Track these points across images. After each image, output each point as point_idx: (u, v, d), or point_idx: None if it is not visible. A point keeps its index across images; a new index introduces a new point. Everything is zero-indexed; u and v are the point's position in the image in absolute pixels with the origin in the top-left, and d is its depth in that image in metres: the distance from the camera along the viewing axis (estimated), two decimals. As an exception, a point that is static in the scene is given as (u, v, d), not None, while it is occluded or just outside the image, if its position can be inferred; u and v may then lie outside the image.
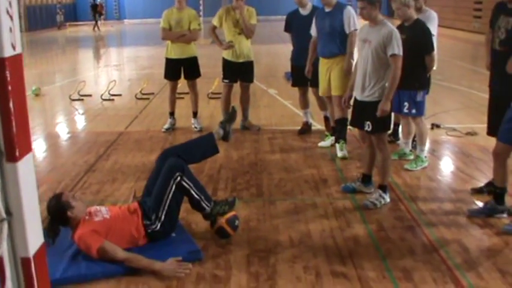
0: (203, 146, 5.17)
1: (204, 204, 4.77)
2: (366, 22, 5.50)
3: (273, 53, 19.87)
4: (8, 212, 1.82)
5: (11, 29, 1.69)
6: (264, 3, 43.24)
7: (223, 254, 4.53)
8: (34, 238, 1.90)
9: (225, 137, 5.25)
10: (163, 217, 4.60)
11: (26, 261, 1.88)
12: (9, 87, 1.68)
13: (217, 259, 4.44)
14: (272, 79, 13.53)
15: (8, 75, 1.68)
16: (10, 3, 1.63)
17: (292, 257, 4.46)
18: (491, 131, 5.64)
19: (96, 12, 39.03)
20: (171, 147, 5.63)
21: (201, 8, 43.80)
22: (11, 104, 1.70)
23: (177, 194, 4.66)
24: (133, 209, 4.68)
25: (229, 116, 5.42)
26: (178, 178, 4.63)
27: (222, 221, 4.76)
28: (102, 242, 4.31)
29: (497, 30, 5.36)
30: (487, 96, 5.87)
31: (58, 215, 4.49)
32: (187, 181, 4.67)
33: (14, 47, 1.71)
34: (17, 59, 1.76)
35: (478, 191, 5.82)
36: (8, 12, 1.66)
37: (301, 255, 4.48)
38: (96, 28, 37.81)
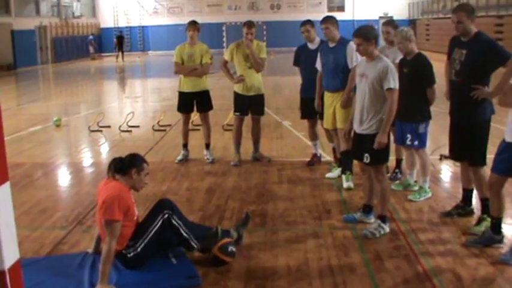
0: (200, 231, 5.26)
1: (192, 243, 4.99)
2: (364, 57, 5.71)
3: (294, 84, 20.08)
4: (-14, 231, 2.09)
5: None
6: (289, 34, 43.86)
7: (221, 280, 4.71)
8: (9, 254, 2.15)
9: (238, 240, 5.35)
10: (139, 249, 4.81)
11: (1, 274, 2.14)
12: (-12, 128, 1.93)
13: (215, 286, 4.63)
14: (288, 111, 13.74)
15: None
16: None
17: (287, 284, 4.62)
18: (454, 155, 6.14)
19: (122, 43, 39.92)
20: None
21: (224, 39, 44.71)
22: (-11, 142, 1.95)
23: (161, 231, 4.87)
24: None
25: (243, 221, 5.62)
26: (167, 215, 4.89)
27: (214, 249, 4.95)
28: (119, 220, 4.61)
29: (453, 62, 5.77)
30: (499, 126, 6.05)
31: (125, 164, 4.89)
32: (176, 220, 4.92)
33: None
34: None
35: (447, 214, 6.12)
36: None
37: (297, 283, 4.63)
38: (120, 59, 38.72)
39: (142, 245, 4.81)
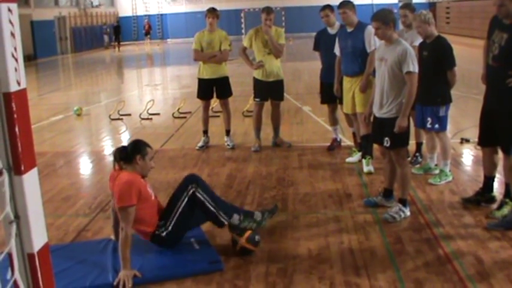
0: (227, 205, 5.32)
1: (221, 218, 5.04)
2: (383, 41, 5.70)
3: (313, 69, 20.03)
4: (16, 215, 2.17)
5: (16, 69, 2.04)
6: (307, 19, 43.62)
7: (243, 265, 4.76)
8: (38, 237, 2.24)
9: (259, 224, 5.39)
10: (170, 227, 4.89)
11: (31, 257, 2.23)
12: (15, 116, 2.04)
13: (237, 270, 4.67)
14: (308, 96, 13.74)
15: (14, 106, 2.03)
16: (15, 48, 1.99)
17: (309, 268, 4.66)
18: (482, 141, 5.82)
19: (118, 33, 40.10)
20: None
21: (243, 26, 44.65)
22: (16, 129, 2.05)
23: (188, 206, 4.92)
24: (159, 206, 5.06)
25: (270, 210, 5.67)
26: (192, 190, 4.93)
27: (242, 241, 4.93)
28: (133, 205, 4.64)
29: (492, 45, 5.41)
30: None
31: (128, 152, 4.91)
32: (201, 193, 4.95)
33: (19, 84, 2.07)
34: (22, 93, 2.11)
35: (467, 201, 6.00)
36: (13, 55, 2.01)
37: (318, 266, 4.67)
38: (116, 49, 39.16)
39: (173, 222, 4.89)
